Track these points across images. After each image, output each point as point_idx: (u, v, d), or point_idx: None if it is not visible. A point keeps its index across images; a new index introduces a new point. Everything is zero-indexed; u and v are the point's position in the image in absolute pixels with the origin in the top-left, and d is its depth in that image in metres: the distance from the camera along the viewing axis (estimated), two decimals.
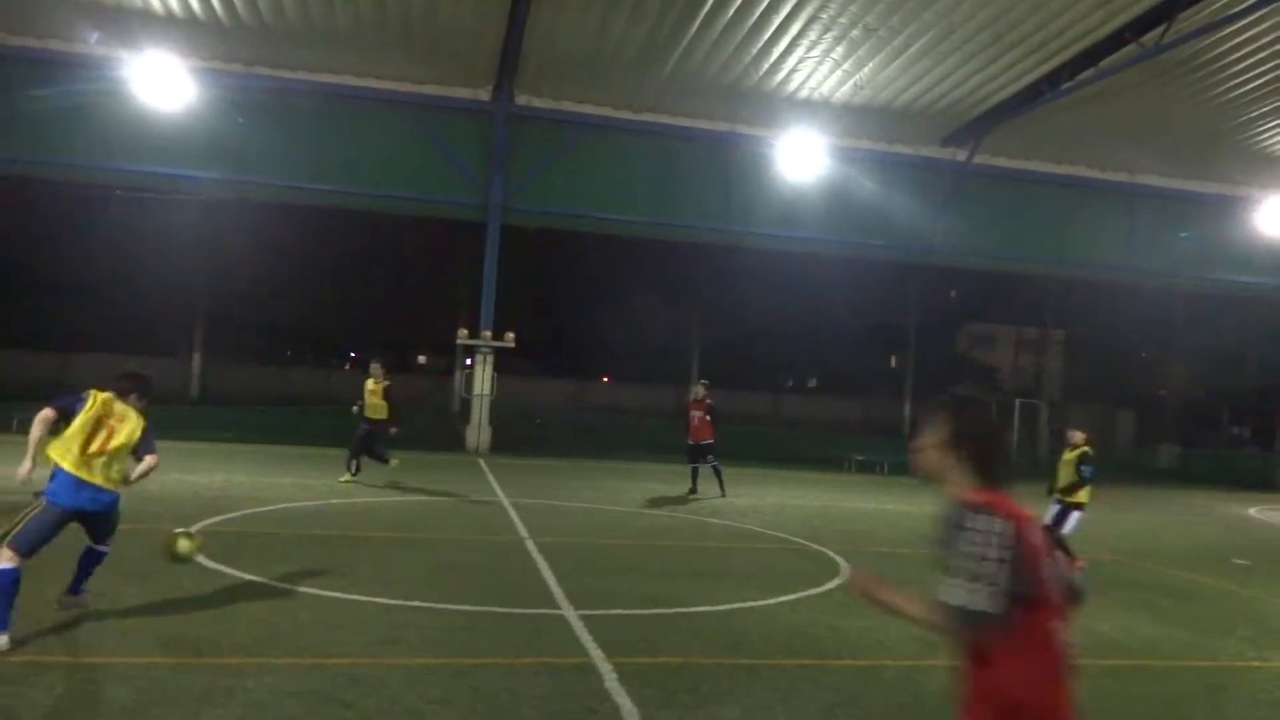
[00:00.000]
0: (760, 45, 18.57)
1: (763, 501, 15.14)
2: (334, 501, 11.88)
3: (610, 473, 18.50)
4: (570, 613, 6.66)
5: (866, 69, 19.27)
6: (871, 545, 11.12)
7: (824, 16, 17.42)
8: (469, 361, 22.90)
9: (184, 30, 18.61)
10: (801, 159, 21.56)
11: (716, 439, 15.16)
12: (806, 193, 22.57)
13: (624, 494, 14.85)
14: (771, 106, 21.06)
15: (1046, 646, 2.37)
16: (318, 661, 5.24)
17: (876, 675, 5.71)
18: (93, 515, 5.54)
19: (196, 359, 35.56)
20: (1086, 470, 10.02)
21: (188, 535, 6.06)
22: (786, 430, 32.85)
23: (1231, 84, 19.39)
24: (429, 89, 21.18)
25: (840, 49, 18.57)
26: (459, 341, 22.36)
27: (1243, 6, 15.81)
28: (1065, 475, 10.19)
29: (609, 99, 21.66)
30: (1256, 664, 6.66)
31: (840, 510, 14.91)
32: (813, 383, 56.08)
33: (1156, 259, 25.43)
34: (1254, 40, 17.71)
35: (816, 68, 19.40)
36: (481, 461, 15.69)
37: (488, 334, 21.52)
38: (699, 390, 15.81)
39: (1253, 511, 19.76)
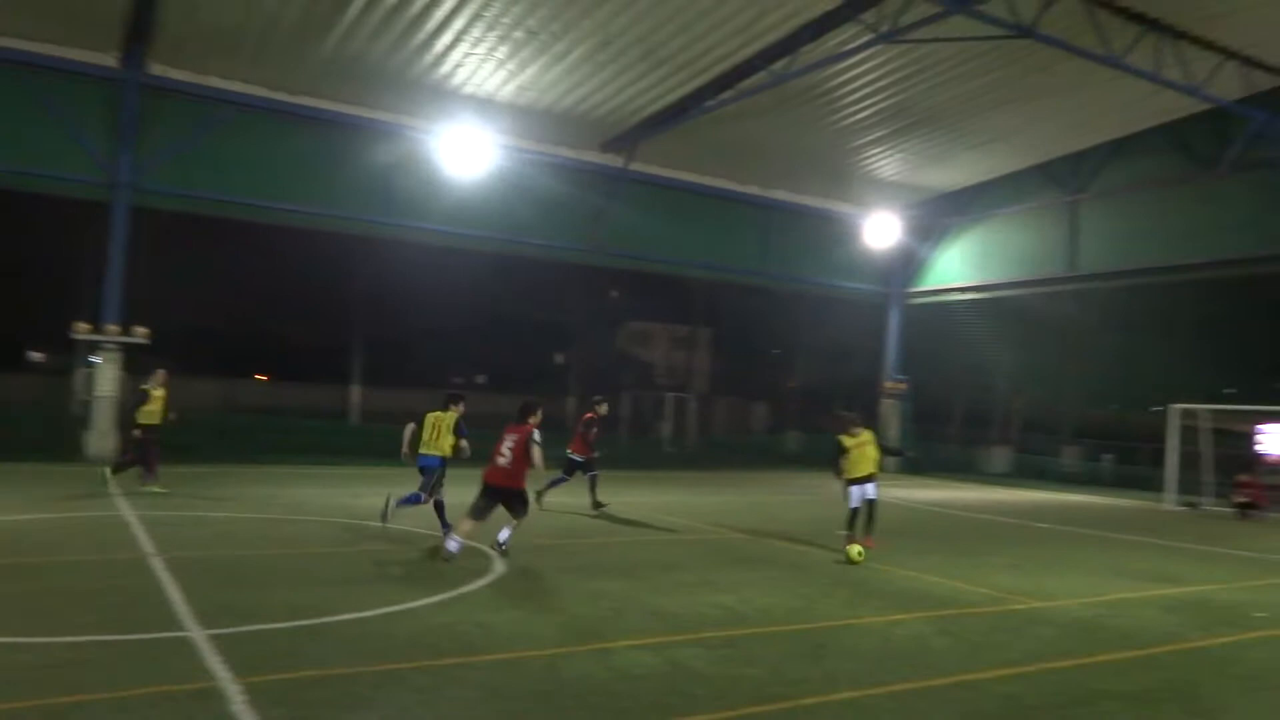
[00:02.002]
0: (424, 36, 18.25)
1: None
2: None
3: (262, 478, 17.28)
4: (198, 633, 6.14)
5: (530, 71, 19.65)
6: (527, 539, 11.34)
7: (488, 15, 17.49)
8: (93, 359, 20.27)
9: None
10: (467, 155, 21.52)
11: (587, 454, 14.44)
12: (472, 189, 22.56)
13: (275, 501, 13.96)
14: (437, 100, 20.80)
15: None
16: None
17: (520, 667, 5.84)
18: None
19: None
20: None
21: None
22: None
23: (844, 113, 22.10)
24: (43, 48, 18.49)
25: (504, 48, 18.75)
26: (76, 336, 19.70)
27: (853, 46, 18.04)
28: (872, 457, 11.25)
29: (261, 77, 20.20)
30: (853, 621, 7.65)
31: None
32: (481, 379, 56.20)
33: (786, 265, 28.40)
34: (862, 76, 20.30)
35: (481, 64, 19.45)
36: (106, 471, 14.01)
37: (113, 328, 19.22)
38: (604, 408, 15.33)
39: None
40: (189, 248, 33.93)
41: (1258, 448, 24.12)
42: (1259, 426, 24.28)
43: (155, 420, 14.01)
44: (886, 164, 25.55)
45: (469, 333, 47.23)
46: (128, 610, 6.79)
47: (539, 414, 9.92)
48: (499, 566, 9.25)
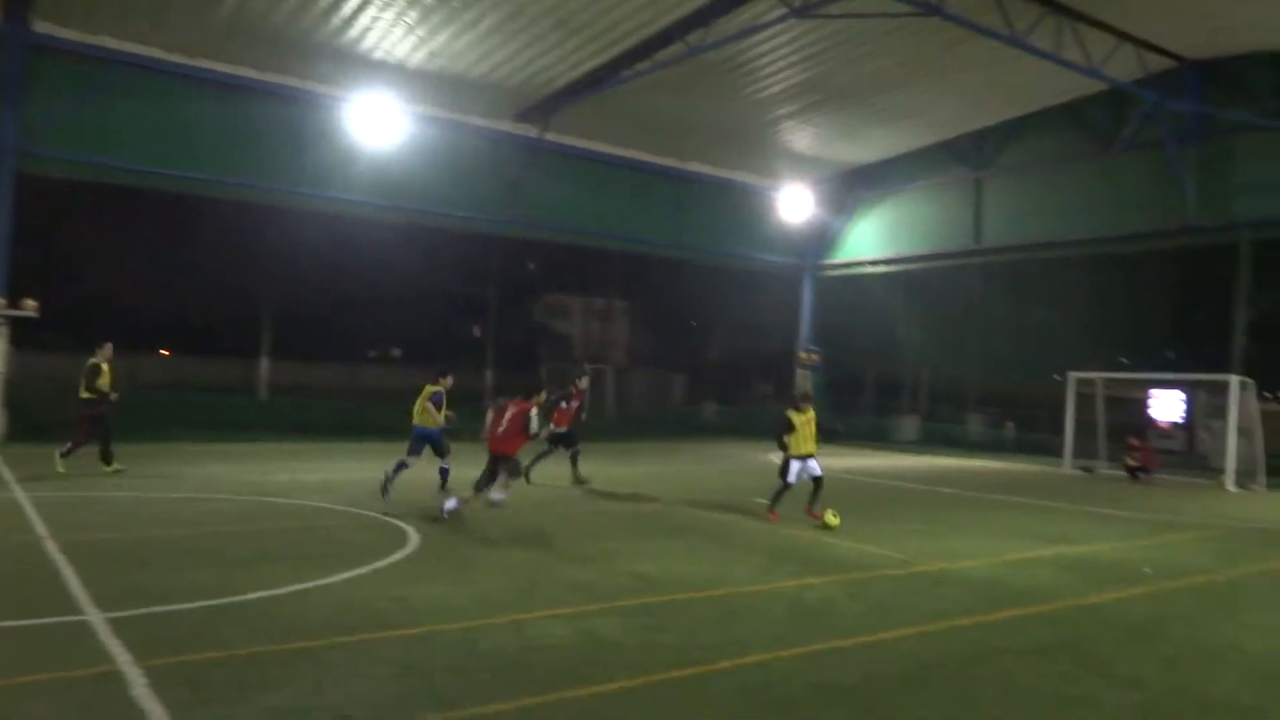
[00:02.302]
0: None
1: (335, 476, 14.67)
2: None
3: (167, 456, 16.72)
4: (96, 617, 5.94)
5: (440, 37, 19.22)
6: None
7: None
8: None
9: None
10: (377, 123, 20.99)
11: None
12: (383, 159, 22.03)
13: (181, 480, 13.52)
14: (345, 65, 20.19)
15: None
16: None
17: (435, 641, 5.81)
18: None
19: None
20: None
21: None
22: (367, 401, 32.03)
23: (759, 87, 22.24)
24: None
25: (413, 13, 18.29)
26: None
27: (767, 19, 18.13)
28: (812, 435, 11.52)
29: (157, 38, 19.28)
30: (766, 587, 7.81)
31: (417, 480, 14.88)
32: (397, 352, 55.26)
33: (703, 238, 28.56)
34: (776, 50, 20.44)
35: (390, 29, 18.93)
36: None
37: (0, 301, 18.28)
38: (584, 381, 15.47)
39: (772, 456, 23.10)
40: (84, 217, 32.42)
41: (1149, 413, 25.34)
42: (1150, 393, 25.50)
43: (103, 395, 13.49)
44: (800, 137, 25.84)
45: (383, 305, 46.32)
46: (20, 595, 6.52)
47: (541, 395, 11.05)
48: (415, 540, 9.16)
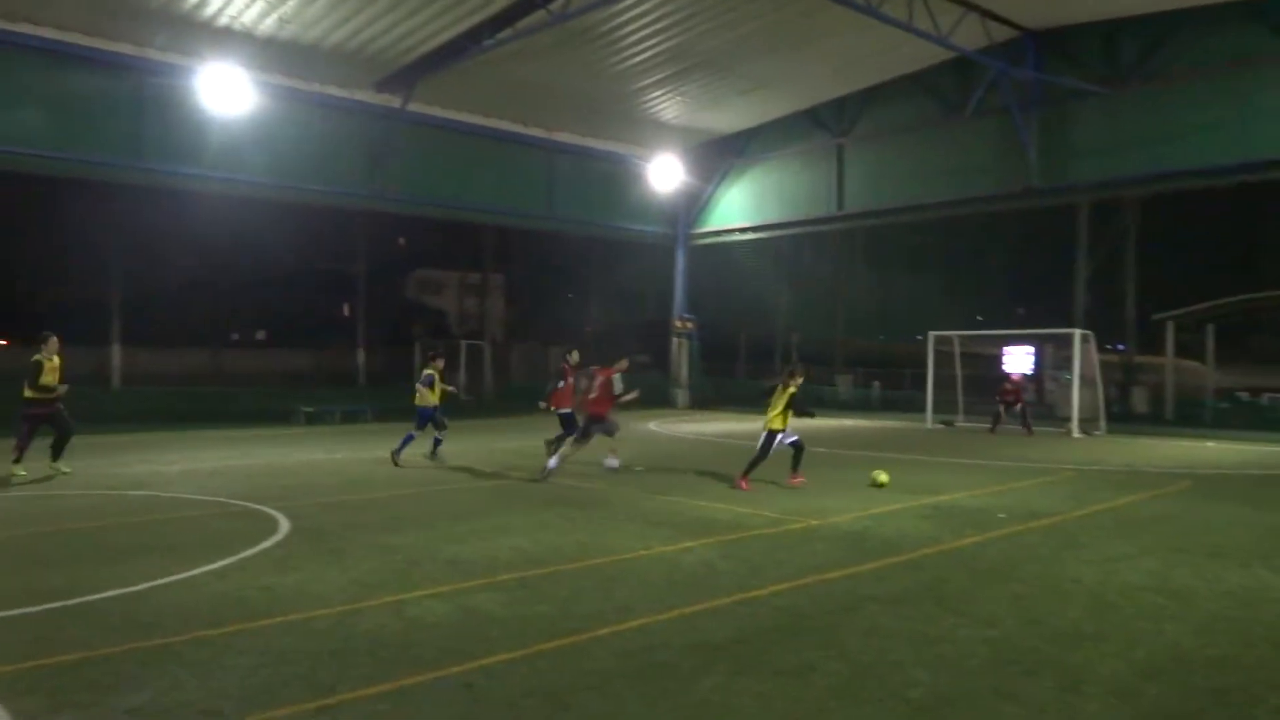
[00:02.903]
0: None
1: (198, 466, 14.04)
2: None
3: (5, 453, 15.60)
4: None
5: (291, 2, 18.39)
6: (316, 497, 10.95)
7: None
8: None
9: None
10: (228, 94, 19.97)
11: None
12: (238, 131, 21.03)
13: (26, 476, 12.65)
14: (188, 32, 19.12)
15: None
16: None
17: (308, 627, 5.66)
18: None
19: None
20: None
21: None
22: (230, 387, 30.71)
23: (625, 55, 22.22)
24: None
25: None
26: None
27: None
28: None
29: None
30: (643, 553, 7.92)
31: (286, 465, 14.44)
32: (261, 335, 53.09)
33: (575, 208, 28.45)
34: (641, 18, 20.44)
35: None
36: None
37: None
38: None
39: (652, 425, 23.41)
40: None
41: (1004, 367, 26.77)
42: (1004, 348, 26.94)
43: (50, 393, 12.39)
44: (667, 106, 25.99)
45: (245, 286, 44.39)
46: None
47: (624, 362, 13.50)
48: (285, 527, 8.87)
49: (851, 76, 24.79)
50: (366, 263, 43.35)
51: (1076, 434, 20.25)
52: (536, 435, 20.02)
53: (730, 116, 27.34)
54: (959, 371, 23.73)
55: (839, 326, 36.99)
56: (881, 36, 20.36)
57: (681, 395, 31.43)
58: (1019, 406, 21.20)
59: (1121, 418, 23.24)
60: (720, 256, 31.12)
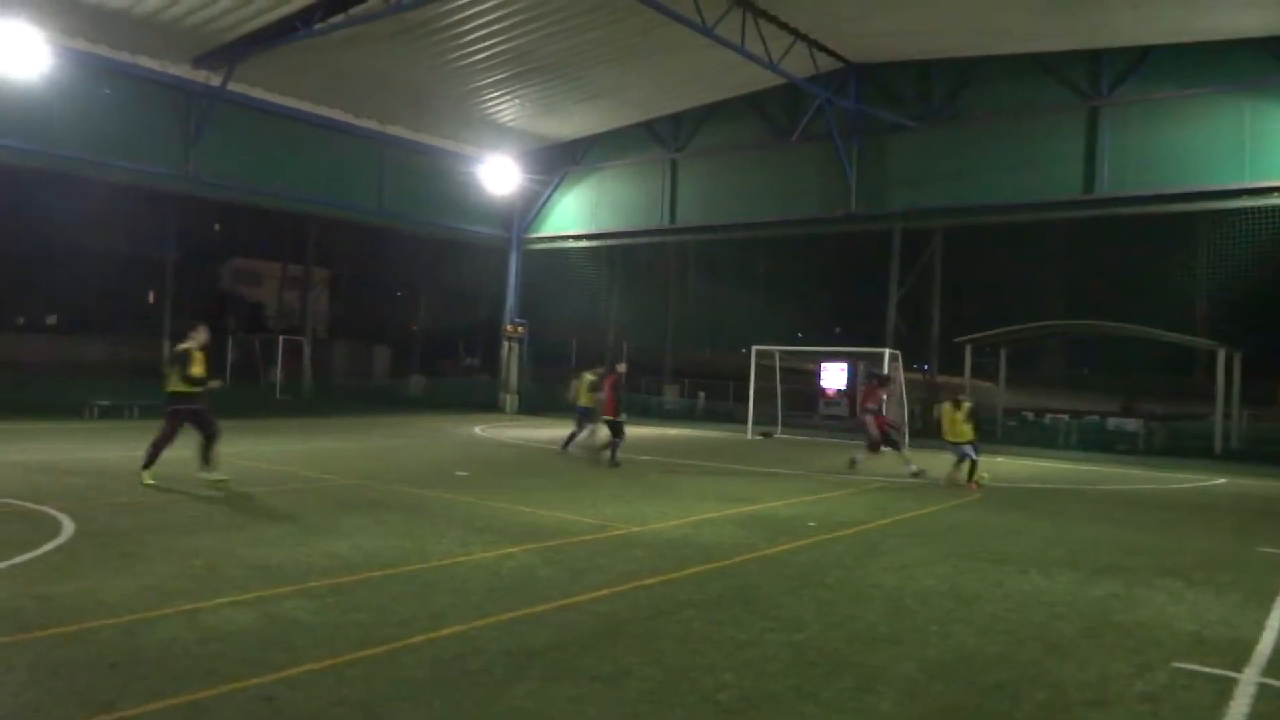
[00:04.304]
0: None
1: None
2: None
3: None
4: None
5: None
6: (107, 497, 10.15)
7: None
8: None
9: None
10: (19, 56, 18.22)
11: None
12: (29, 96, 19.24)
13: None
14: None
15: None
16: None
17: (88, 639, 5.22)
18: None
19: None
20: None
21: None
22: (13, 376, 28.05)
23: (464, 52, 21.86)
24: None
25: None
26: None
27: None
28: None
29: None
30: (463, 559, 7.78)
31: (74, 462, 13.32)
32: (52, 320, 48.84)
33: (406, 205, 27.74)
34: (480, 15, 20.16)
35: None
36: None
37: None
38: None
39: (478, 430, 23.10)
40: None
41: (821, 383, 28.00)
42: (822, 364, 28.21)
43: (200, 387, 10.90)
44: (505, 109, 25.79)
45: (33, 267, 40.70)
46: None
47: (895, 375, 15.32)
48: (68, 529, 8.17)
49: (687, 93, 25.40)
50: (177, 249, 40.68)
51: (884, 448, 21.44)
52: (357, 437, 19.42)
53: (568, 123, 27.42)
54: (779, 385, 24.69)
55: (669, 337, 37.73)
56: (716, 57, 20.97)
57: (510, 400, 31.19)
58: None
59: (924, 433, 24.81)
60: (554, 262, 31.12)
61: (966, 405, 14.56)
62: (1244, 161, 19.00)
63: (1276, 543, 10.03)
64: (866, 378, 21.92)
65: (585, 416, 16.96)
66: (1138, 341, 25.91)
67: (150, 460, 10.92)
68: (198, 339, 10.99)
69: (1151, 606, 6.95)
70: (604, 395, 15.82)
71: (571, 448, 17.05)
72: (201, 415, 10.92)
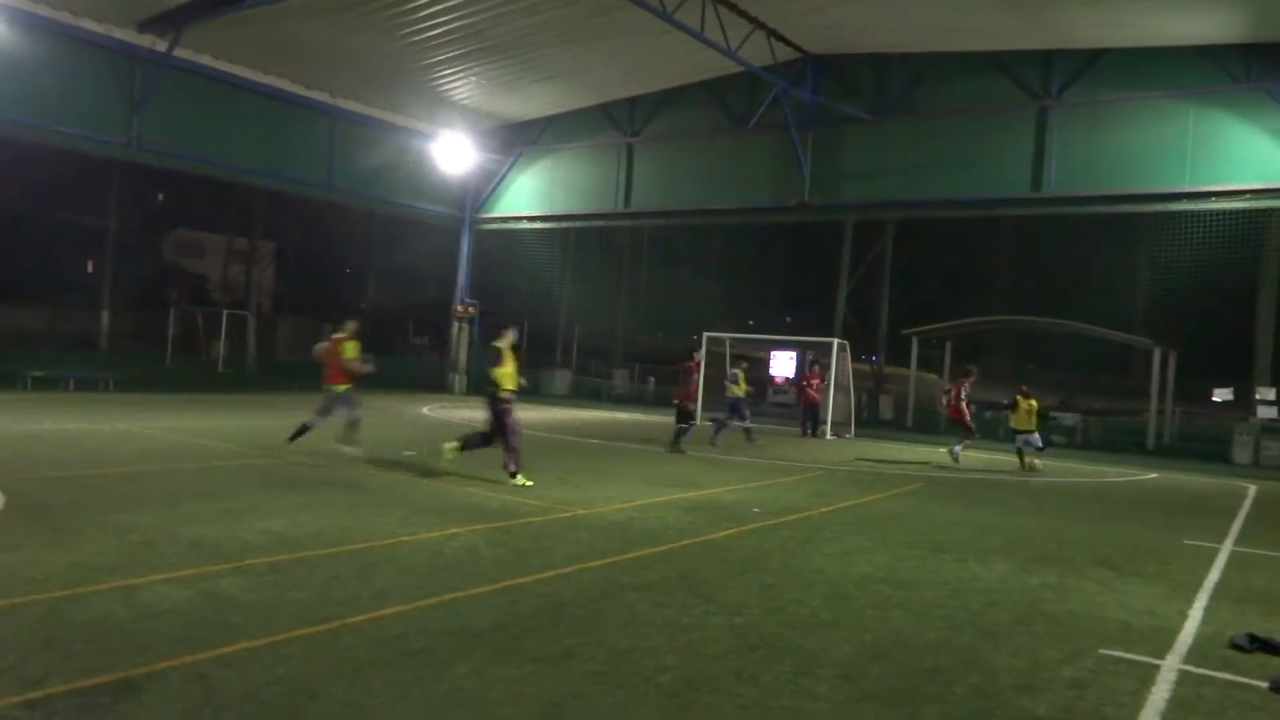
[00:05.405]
0: None
1: None
2: None
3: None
4: None
5: None
6: (40, 471, 9.89)
7: None
8: None
9: None
10: None
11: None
12: None
13: None
14: None
15: None
16: None
17: (17, 615, 5.09)
18: None
19: None
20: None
21: None
22: None
23: (418, 27, 21.51)
24: None
25: None
26: None
27: None
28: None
29: None
30: (407, 539, 7.72)
31: (5, 435, 12.94)
32: None
33: (356, 180, 27.30)
34: None
35: None
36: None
37: None
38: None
39: (425, 410, 22.90)
40: None
41: (770, 370, 28.22)
42: (772, 352, 28.43)
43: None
44: (460, 86, 25.47)
45: None
46: None
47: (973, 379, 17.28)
48: (0, 502, 7.94)
49: (644, 78, 25.31)
50: (117, 217, 39.63)
51: (830, 436, 21.74)
52: (297, 412, 19.14)
53: (523, 103, 27.18)
54: (729, 372, 24.79)
55: (620, 322, 37.74)
56: (675, 43, 20.92)
57: (459, 380, 30.94)
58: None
59: (870, 423, 25.20)
60: (507, 242, 30.90)
61: (1035, 400, 16.37)
62: (1185, 166, 19.50)
63: (1203, 536, 10.37)
64: (812, 365, 22.38)
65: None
66: (1079, 338, 26.55)
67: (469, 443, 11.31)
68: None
69: (1082, 596, 7.15)
70: (694, 380, 17.46)
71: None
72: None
